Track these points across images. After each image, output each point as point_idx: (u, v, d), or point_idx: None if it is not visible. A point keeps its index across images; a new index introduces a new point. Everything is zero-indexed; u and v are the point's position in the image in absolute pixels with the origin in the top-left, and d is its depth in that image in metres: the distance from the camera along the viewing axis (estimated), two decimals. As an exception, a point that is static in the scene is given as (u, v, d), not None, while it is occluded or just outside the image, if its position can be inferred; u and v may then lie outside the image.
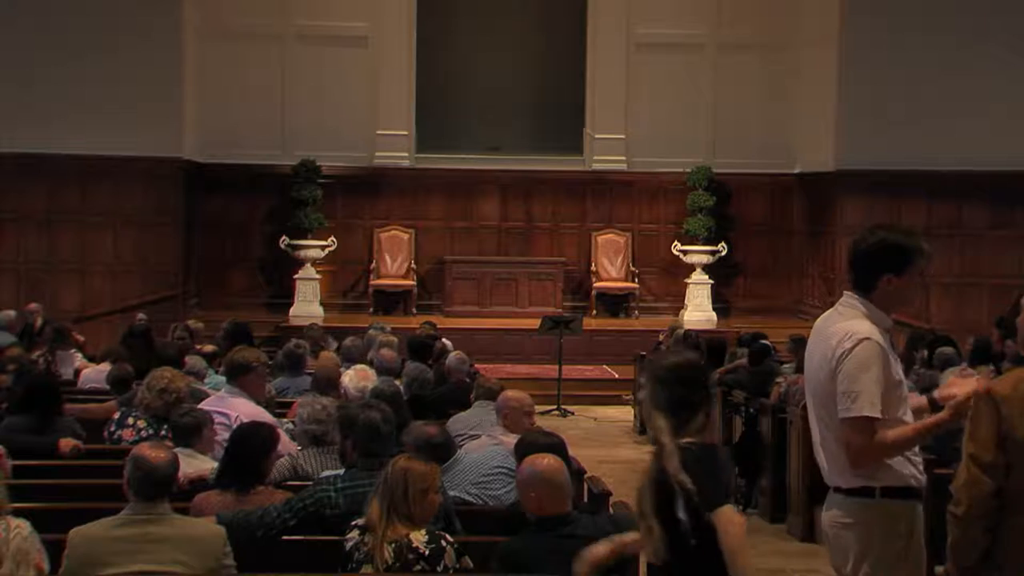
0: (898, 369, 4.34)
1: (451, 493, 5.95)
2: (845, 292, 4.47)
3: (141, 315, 14.02)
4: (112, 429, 7.63)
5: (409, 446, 6.03)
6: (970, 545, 3.72)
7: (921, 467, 4.36)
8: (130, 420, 7.55)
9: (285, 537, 5.37)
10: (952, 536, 3.79)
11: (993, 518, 3.70)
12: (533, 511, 5.04)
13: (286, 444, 6.91)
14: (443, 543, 4.90)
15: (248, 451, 5.68)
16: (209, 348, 11.29)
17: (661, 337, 15.09)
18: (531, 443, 5.76)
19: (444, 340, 12.36)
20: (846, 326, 4.31)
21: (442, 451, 6.16)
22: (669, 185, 19.59)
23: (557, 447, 5.71)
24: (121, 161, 17.76)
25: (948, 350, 10.70)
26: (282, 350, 10.75)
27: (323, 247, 18.66)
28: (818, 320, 4.54)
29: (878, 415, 4.18)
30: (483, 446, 6.73)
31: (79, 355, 12.42)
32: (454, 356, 10.27)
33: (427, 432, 6.22)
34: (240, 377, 7.72)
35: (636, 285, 19.42)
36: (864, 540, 4.25)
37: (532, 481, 5.03)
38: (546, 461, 5.10)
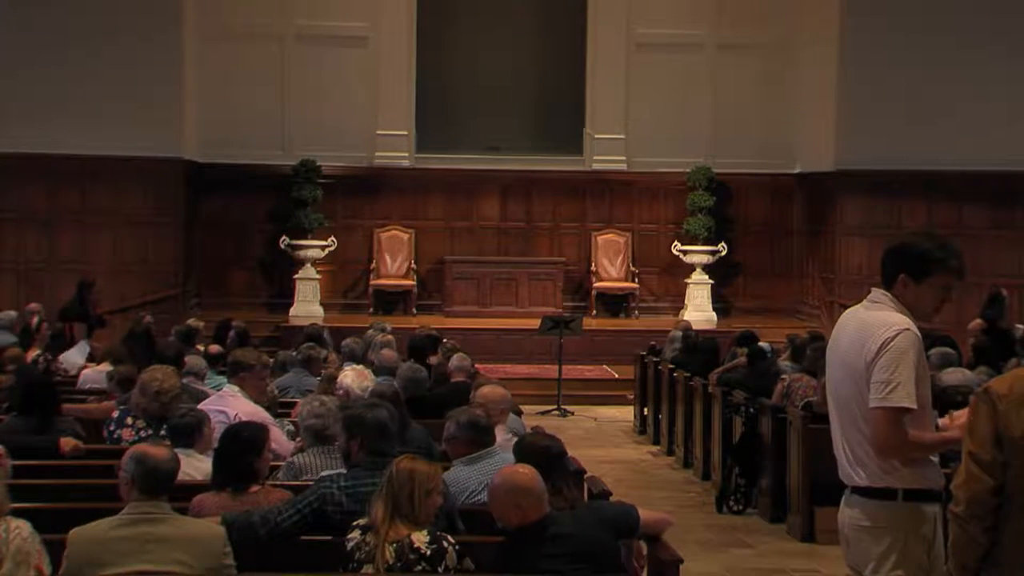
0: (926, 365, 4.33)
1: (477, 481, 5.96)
2: (872, 288, 4.44)
3: (148, 317, 13.97)
4: (112, 429, 7.63)
5: (451, 425, 6.14)
6: (970, 544, 3.72)
7: (939, 468, 4.34)
8: (129, 420, 7.55)
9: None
10: (953, 535, 3.78)
11: (993, 516, 3.70)
12: (518, 522, 5.00)
13: (279, 442, 6.90)
14: (444, 544, 4.89)
15: (235, 451, 5.66)
16: (215, 349, 11.29)
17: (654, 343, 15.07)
18: (531, 445, 5.75)
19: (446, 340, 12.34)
20: (884, 316, 4.28)
21: (485, 435, 6.21)
22: (669, 185, 19.59)
23: (554, 450, 5.69)
24: (121, 161, 17.76)
25: (948, 350, 10.68)
26: (298, 350, 10.78)
27: (323, 247, 18.66)
28: (844, 315, 4.51)
29: (914, 406, 4.16)
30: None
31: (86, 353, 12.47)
32: (454, 357, 10.26)
33: (475, 414, 6.29)
34: (239, 376, 7.76)
35: (636, 285, 19.42)
36: (886, 543, 4.22)
37: (516, 493, 4.99)
38: (523, 471, 5.10)
